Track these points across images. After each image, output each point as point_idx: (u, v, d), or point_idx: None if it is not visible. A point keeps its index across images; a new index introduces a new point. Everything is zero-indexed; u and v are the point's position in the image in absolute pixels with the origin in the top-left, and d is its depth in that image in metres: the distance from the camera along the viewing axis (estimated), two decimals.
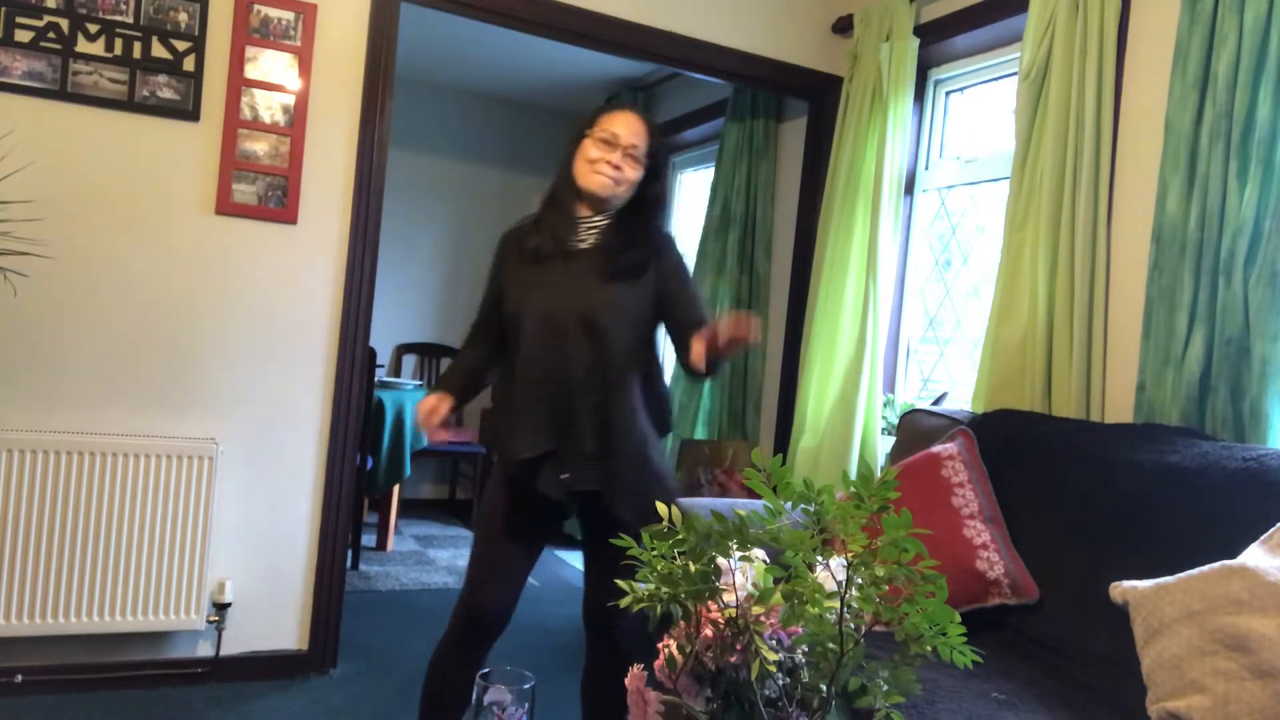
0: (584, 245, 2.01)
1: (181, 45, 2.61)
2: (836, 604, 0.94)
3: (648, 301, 2.01)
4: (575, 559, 4.68)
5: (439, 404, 2.01)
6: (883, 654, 1.02)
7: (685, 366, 1.94)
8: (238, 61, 2.66)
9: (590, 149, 2.00)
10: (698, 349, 1.82)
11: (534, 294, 1.99)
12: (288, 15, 2.71)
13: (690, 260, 4.28)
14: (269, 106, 2.71)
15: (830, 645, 0.95)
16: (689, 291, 2.05)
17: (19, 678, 2.52)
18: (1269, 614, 1.45)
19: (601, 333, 1.94)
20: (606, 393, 1.95)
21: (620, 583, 1.03)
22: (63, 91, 2.50)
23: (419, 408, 2.01)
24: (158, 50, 2.59)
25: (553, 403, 1.96)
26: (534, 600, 3.94)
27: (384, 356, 5.49)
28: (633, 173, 2.00)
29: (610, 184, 1.98)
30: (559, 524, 2.14)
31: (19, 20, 2.45)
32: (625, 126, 2.00)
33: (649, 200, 2.06)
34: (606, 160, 1.98)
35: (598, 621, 2.08)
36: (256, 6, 2.68)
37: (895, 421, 3.03)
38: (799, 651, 1.00)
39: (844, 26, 3.43)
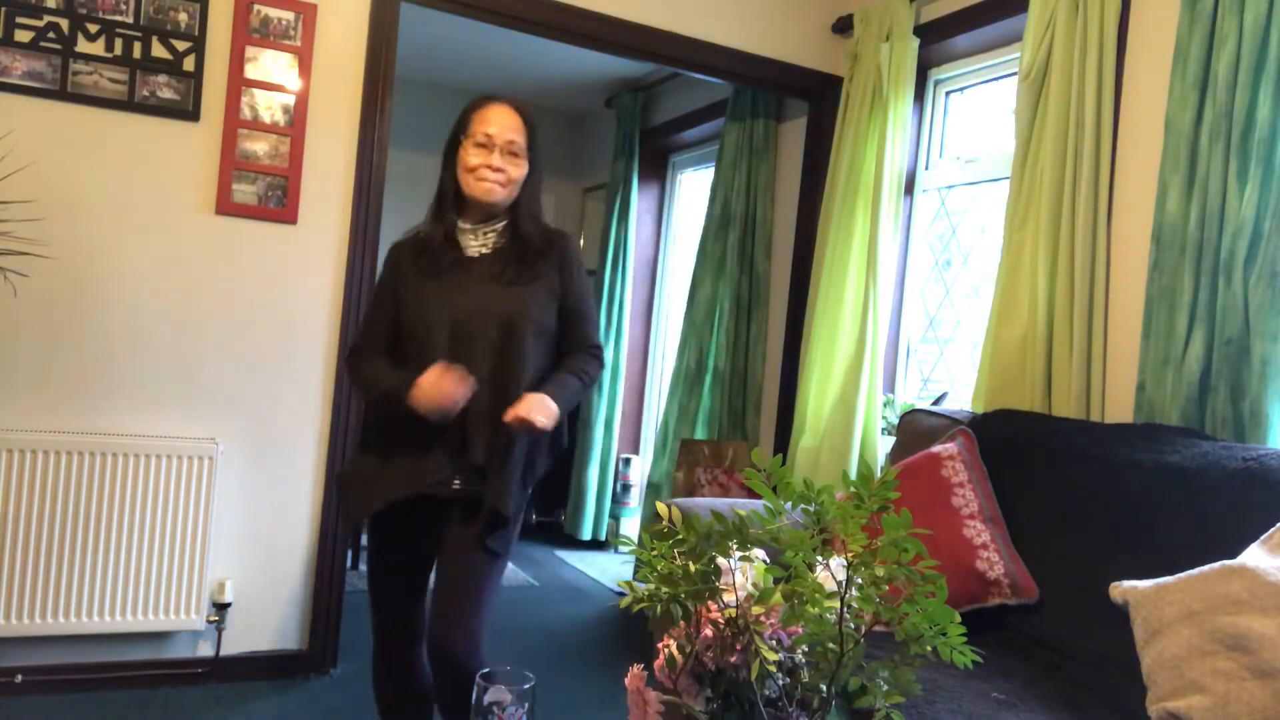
0: (480, 252, 1.95)
1: (181, 45, 2.61)
2: (836, 604, 0.94)
3: (551, 310, 1.95)
4: (576, 559, 4.68)
5: (443, 371, 1.78)
6: (883, 654, 1.02)
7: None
8: (238, 61, 2.66)
9: (469, 156, 1.90)
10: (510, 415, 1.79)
11: (434, 304, 1.89)
12: (288, 15, 2.71)
13: (689, 260, 4.29)
14: (269, 106, 2.71)
15: (830, 645, 0.95)
16: (583, 309, 2.00)
17: (19, 678, 2.52)
18: (1269, 614, 1.45)
19: (508, 337, 1.86)
20: (508, 401, 1.83)
21: (622, 583, 1.03)
22: (63, 91, 2.50)
23: (436, 390, 1.77)
24: (158, 50, 2.58)
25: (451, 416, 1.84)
26: (534, 600, 3.94)
27: None
28: (517, 170, 1.92)
29: (496, 189, 1.89)
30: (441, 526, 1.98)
31: (19, 20, 2.45)
32: (498, 123, 1.90)
33: (526, 194, 1.96)
34: (487, 165, 1.88)
35: (442, 653, 1.85)
36: (256, 6, 2.68)
37: (895, 421, 3.03)
38: (799, 651, 1.00)
39: (844, 26, 3.43)
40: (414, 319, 1.91)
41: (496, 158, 1.89)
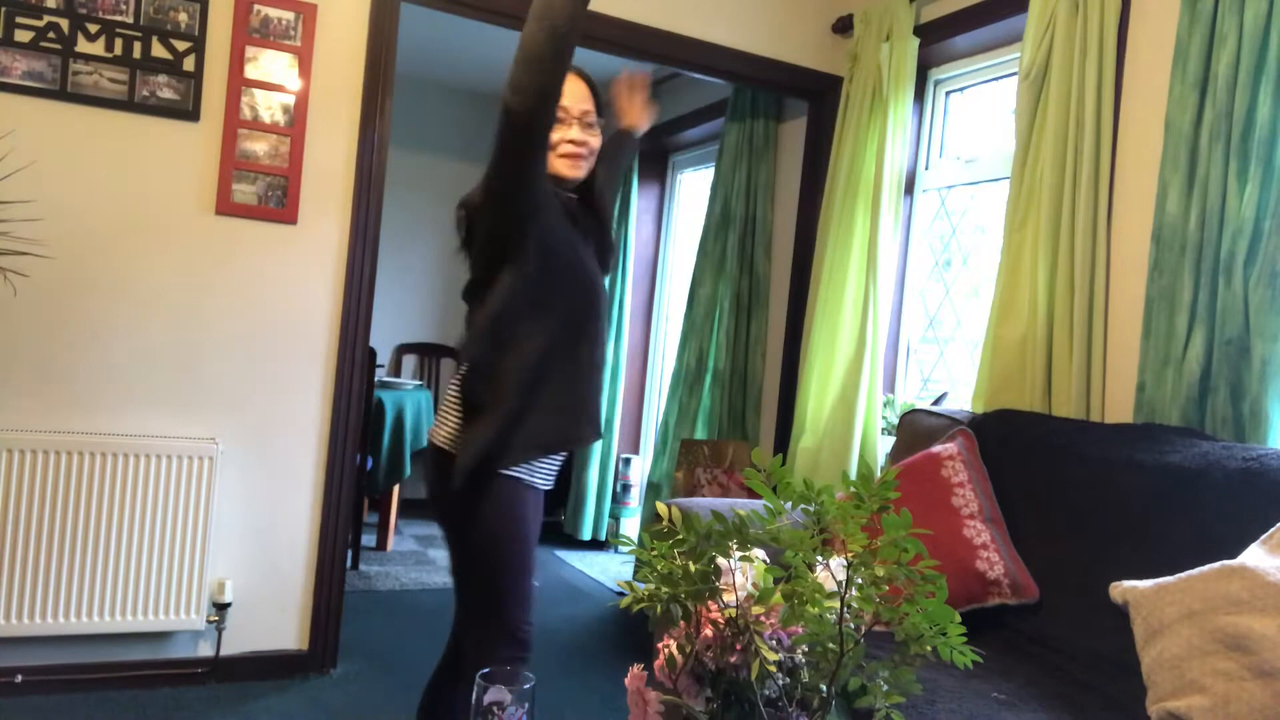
0: None
1: (181, 45, 2.61)
2: (836, 604, 0.94)
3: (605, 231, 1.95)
4: (576, 559, 4.68)
5: None
6: (883, 654, 1.02)
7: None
8: (238, 61, 2.66)
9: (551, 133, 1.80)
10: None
11: (583, 255, 1.87)
12: (288, 15, 2.71)
13: (689, 260, 4.29)
14: (269, 106, 2.71)
15: (830, 645, 0.95)
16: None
17: (19, 678, 2.52)
18: (1269, 614, 1.45)
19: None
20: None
21: (622, 583, 1.03)
22: (63, 91, 2.50)
23: None
24: (158, 50, 2.58)
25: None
26: (535, 601, 3.93)
27: (384, 356, 5.49)
28: (595, 140, 1.87)
29: (581, 164, 1.85)
30: None
31: (19, 20, 2.45)
32: (570, 95, 1.81)
33: (597, 169, 1.92)
34: (568, 140, 1.82)
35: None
36: (256, 6, 2.68)
37: (895, 421, 3.03)
38: (799, 651, 1.00)
39: (844, 26, 3.43)
40: (568, 253, 1.81)
41: (575, 130, 1.83)
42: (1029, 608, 2.04)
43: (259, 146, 2.70)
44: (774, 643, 0.98)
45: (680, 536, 1.02)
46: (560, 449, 1.85)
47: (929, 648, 0.94)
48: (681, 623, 1.01)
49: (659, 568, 1.01)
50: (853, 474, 2.66)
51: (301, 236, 2.78)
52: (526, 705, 1.05)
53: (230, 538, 2.75)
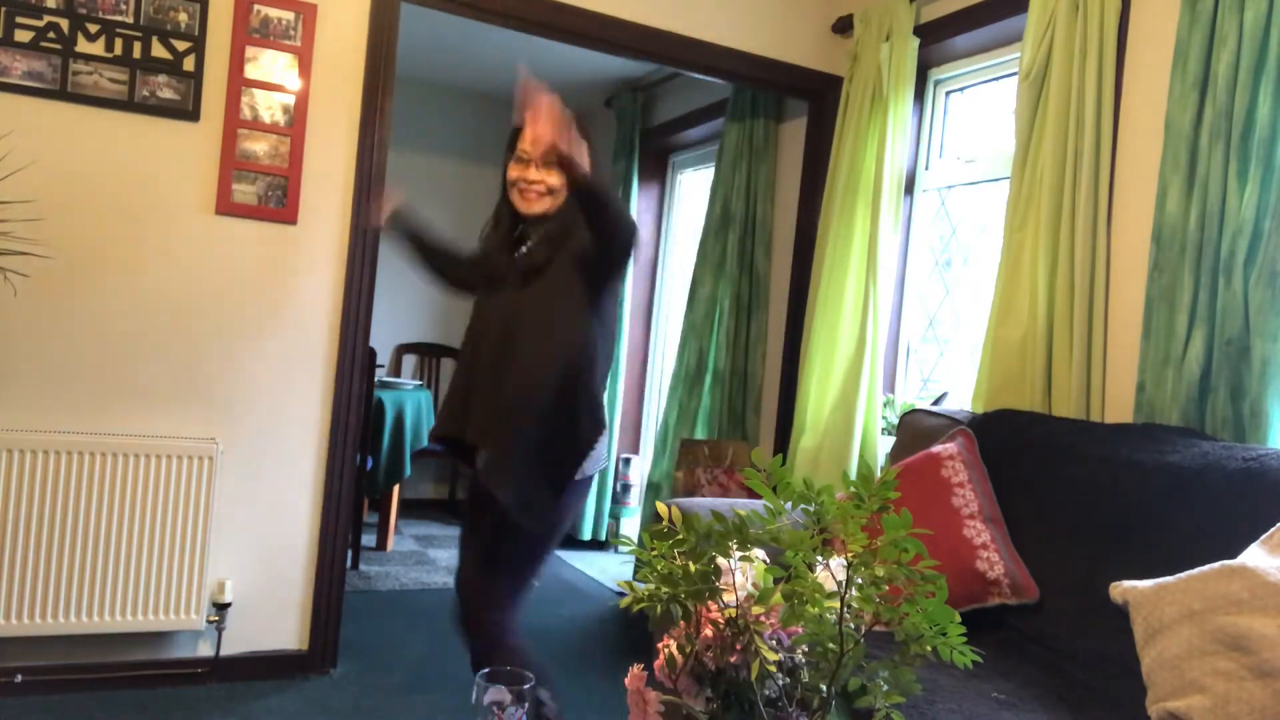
0: (526, 247, 2.05)
1: (181, 45, 2.61)
2: (836, 604, 0.94)
3: (575, 278, 1.97)
4: (576, 559, 4.68)
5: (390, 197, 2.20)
6: (883, 654, 1.02)
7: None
8: (238, 61, 2.66)
9: (510, 171, 2.02)
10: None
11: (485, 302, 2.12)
12: (288, 15, 2.71)
13: (689, 260, 4.30)
14: (269, 106, 2.71)
15: (830, 645, 0.95)
16: None
17: (19, 678, 2.52)
18: (1269, 614, 1.45)
19: (509, 337, 1.98)
20: (506, 388, 1.99)
21: (622, 583, 1.03)
22: (63, 91, 2.50)
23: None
24: (158, 50, 2.58)
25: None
26: (534, 600, 3.91)
27: (384, 356, 5.49)
28: (557, 179, 1.97)
29: (535, 200, 1.99)
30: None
31: (19, 20, 2.45)
32: (533, 139, 1.92)
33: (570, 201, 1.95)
34: (524, 179, 1.98)
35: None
36: (256, 6, 2.68)
37: (895, 421, 3.03)
38: (799, 651, 1.00)
39: (844, 26, 3.43)
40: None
41: (533, 171, 1.98)
42: (1029, 608, 2.04)
43: (259, 146, 2.70)
44: (774, 643, 0.98)
45: (680, 536, 1.02)
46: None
47: (929, 648, 0.94)
48: (681, 623, 1.01)
49: (659, 568, 1.01)
50: (853, 474, 2.66)
51: (301, 236, 2.78)
52: (526, 705, 1.05)
53: (230, 538, 2.74)
